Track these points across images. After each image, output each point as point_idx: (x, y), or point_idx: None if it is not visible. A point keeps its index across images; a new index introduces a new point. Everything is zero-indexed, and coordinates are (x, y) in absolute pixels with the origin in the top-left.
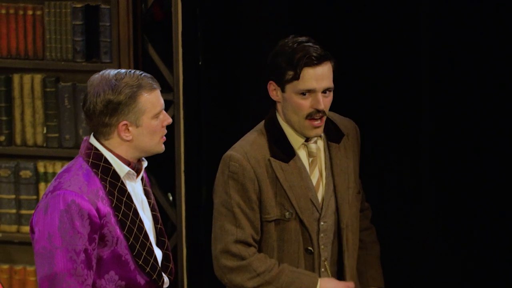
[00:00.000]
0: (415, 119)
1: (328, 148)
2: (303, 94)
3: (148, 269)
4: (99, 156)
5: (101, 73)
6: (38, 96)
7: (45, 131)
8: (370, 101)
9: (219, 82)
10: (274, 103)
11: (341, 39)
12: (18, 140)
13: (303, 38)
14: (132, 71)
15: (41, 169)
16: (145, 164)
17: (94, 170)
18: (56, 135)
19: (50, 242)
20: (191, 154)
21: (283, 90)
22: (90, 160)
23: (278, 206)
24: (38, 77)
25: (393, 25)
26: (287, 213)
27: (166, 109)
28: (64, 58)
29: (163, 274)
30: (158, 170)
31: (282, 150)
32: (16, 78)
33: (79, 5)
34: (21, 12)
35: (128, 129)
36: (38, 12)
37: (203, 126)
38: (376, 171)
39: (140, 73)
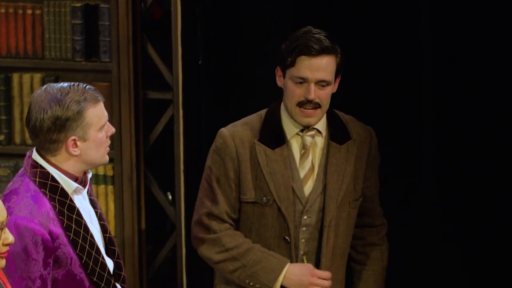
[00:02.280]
0: (417, 121)
1: (327, 147)
2: (297, 81)
3: (102, 284)
4: (46, 174)
5: (43, 88)
6: None
7: None
8: (371, 102)
9: (219, 81)
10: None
11: (342, 39)
12: (17, 139)
13: (316, 30)
14: (76, 84)
15: None
16: (89, 175)
17: (42, 190)
18: None
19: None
20: (191, 153)
21: (284, 76)
22: (37, 179)
23: (257, 190)
24: (37, 76)
25: (395, 25)
26: (264, 198)
27: (166, 108)
28: (63, 57)
29: (117, 284)
30: (158, 170)
31: (272, 137)
32: (15, 77)
33: (78, 4)
34: (20, 11)
35: (76, 144)
36: (38, 11)
37: (203, 125)
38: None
39: (84, 85)
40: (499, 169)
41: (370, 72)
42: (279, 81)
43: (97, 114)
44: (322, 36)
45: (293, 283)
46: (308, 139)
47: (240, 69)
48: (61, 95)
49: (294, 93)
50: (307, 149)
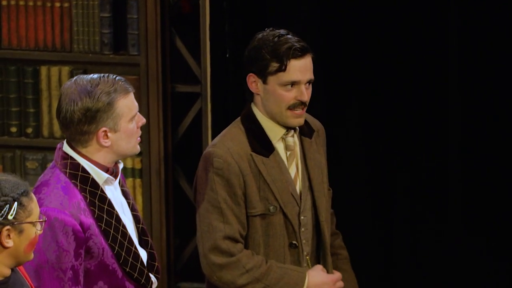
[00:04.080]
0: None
1: (301, 143)
2: (288, 85)
3: (136, 274)
4: (76, 165)
5: (73, 79)
6: None
7: None
8: (396, 102)
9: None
10: (250, 97)
11: (369, 36)
12: (45, 132)
13: (282, 31)
14: (106, 75)
15: None
16: (121, 165)
17: (72, 181)
18: None
19: (35, 261)
20: None
21: (264, 82)
22: (68, 171)
23: (262, 201)
24: (65, 69)
25: (422, 29)
26: (271, 207)
27: (194, 101)
28: (91, 50)
29: (151, 275)
30: (186, 163)
31: (262, 145)
32: (43, 70)
33: None
34: (48, 4)
35: (107, 135)
36: (66, 4)
37: (230, 118)
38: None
39: (114, 76)
40: None
41: (397, 71)
42: (254, 88)
43: (127, 104)
44: (293, 36)
45: None
46: (290, 140)
47: None
48: (91, 86)
49: (285, 97)
50: (292, 150)
